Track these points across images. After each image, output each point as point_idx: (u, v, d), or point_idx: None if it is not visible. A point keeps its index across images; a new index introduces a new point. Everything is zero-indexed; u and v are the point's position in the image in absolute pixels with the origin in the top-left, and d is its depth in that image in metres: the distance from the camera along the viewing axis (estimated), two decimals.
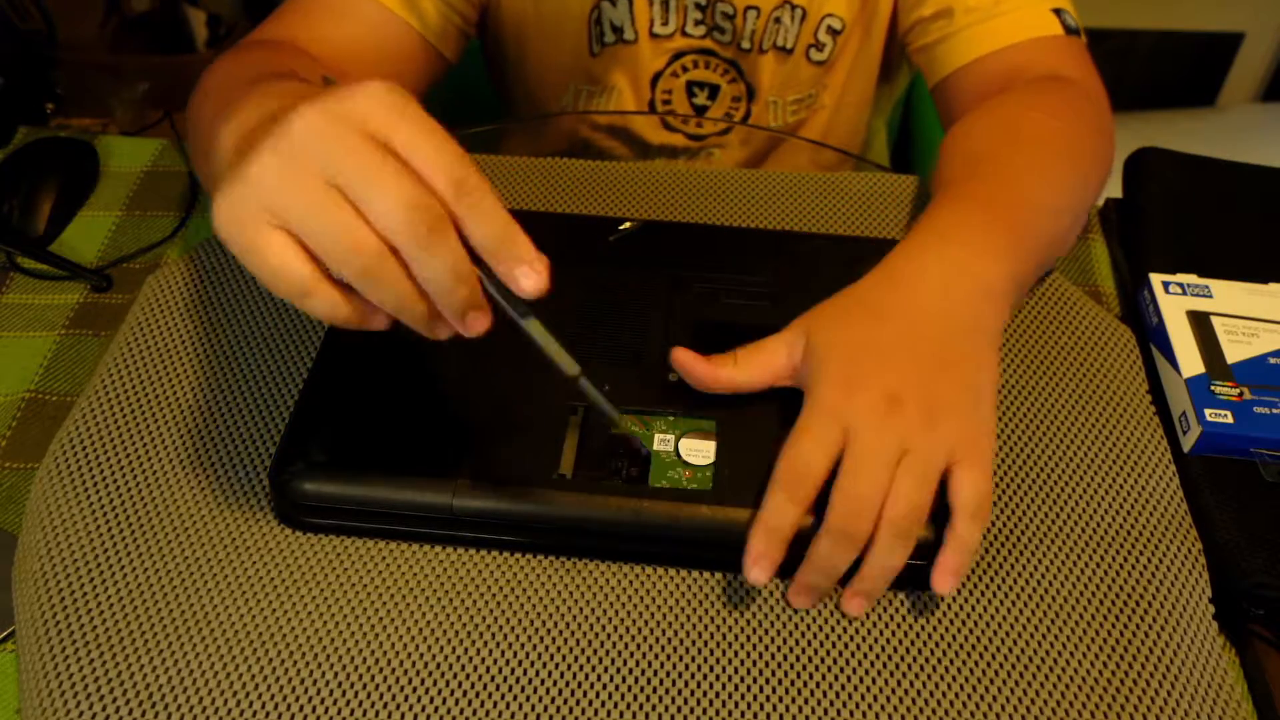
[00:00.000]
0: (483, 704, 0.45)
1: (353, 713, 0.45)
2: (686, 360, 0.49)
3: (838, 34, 0.77)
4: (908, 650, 0.47)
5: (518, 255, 0.38)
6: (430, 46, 0.71)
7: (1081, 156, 0.61)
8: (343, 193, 0.36)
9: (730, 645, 0.48)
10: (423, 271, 0.37)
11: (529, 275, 0.38)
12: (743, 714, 0.45)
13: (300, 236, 0.37)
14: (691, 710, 0.45)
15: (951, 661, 0.47)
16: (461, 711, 0.45)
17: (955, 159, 0.60)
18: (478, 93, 0.95)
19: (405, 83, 0.71)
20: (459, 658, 0.47)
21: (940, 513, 0.47)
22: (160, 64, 1.60)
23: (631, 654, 0.47)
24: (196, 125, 0.58)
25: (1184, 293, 0.61)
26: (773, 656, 0.47)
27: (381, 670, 0.46)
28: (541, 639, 0.47)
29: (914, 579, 0.48)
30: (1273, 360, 0.58)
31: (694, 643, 0.48)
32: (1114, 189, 0.72)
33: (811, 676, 0.47)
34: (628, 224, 0.62)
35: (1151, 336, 0.61)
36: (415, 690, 0.46)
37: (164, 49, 1.66)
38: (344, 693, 0.45)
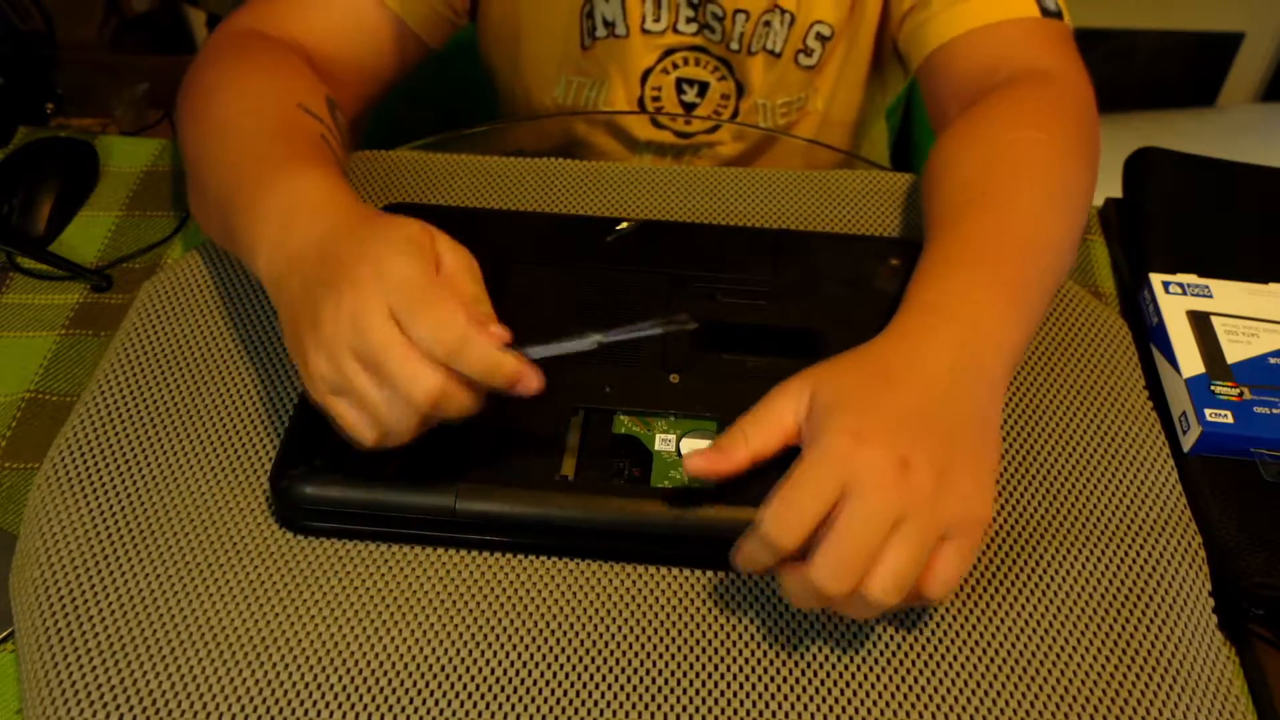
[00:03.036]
0: (487, 706, 0.45)
1: (356, 716, 0.45)
2: (701, 464, 0.46)
3: (826, 40, 0.77)
4: (909, 645, 0.47)
5: (509, 379, 0.45)
6: (415, 36, 0.72)
7: (1078, 169, 0.60)
8: (377, 371, 0.44)
9: (735, 644, 0.48)
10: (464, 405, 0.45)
11: (527, 386, 0.45)
12: (749, 712, 0.45)
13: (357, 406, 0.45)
14: (697, 710, 0.45)
15: (954, 657, 0.47)
16: (467, 714, 0.45)
17: (951, 185, 0.59)
18: (477, 92, 0.95)
19: (385, 69, 0.74)
20: (462, 660, 0.47)
21: None
22: (160, 64, 1.60)
23: (636, 654, 0.47)
24: (199, 143, 0.58)
25: (1184, 293, 0.61)
26: (777, 654, 0.47)
27: (384, 674, 0.46)
28: (545, 640, 0.47)
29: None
30: (1273, 360, 0.58)
31: (698, 642, 0.48)
32: (1114, 189, 0.72)
33: (813, 671, 0.47)
34: (625, 224, 0.62)
35: (1151, 336, 0.61)
36: (419, 693, 0.46)
37: (164, 49, 1.66)
38: (346, 696, 0.45)
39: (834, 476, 0.43)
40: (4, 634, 0.49)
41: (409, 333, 0.43)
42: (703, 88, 0.81)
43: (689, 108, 0.82)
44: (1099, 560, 0.51)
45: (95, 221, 0.69)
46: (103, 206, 0.70)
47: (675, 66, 0.80)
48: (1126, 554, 0.51)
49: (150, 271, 0.65)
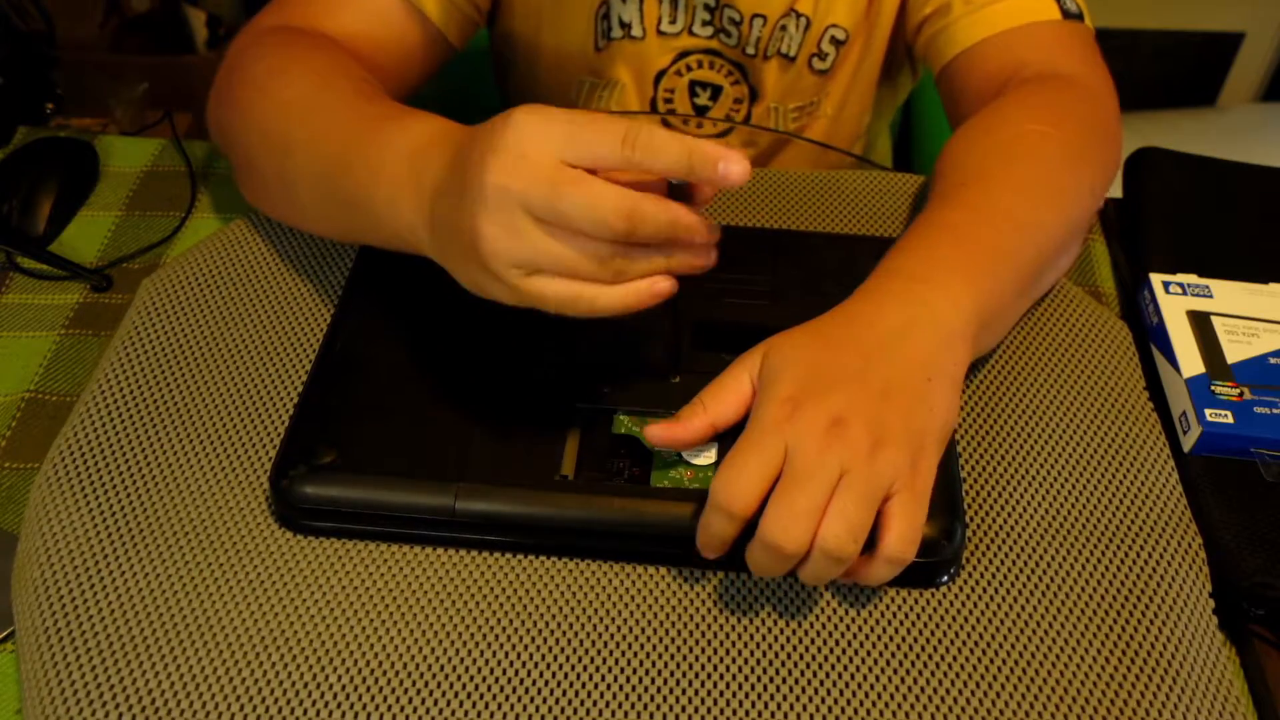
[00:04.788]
0: (486, 706, 0.45)
1: (356, 716, 0.45)
2: (659, 433, 0.48)
3: (841, 44, 0.77)
4: (908, 646, 0.48)
5: (710, 158, 0.42)
6: (439, 35, 0.72)
7: (1083, 167, 0.60)
8: (551, 223, 0.43)
9: (734, 644, 0.48)
10: (647, 239, 0.44)
11: (732, 165, 0.43)
12: (746, 712, 0.45)
13: (553, 272, 0.44)
14: (697, 709, 0.45)
15: (954, 656, 0.47)
16: (466, 714, 0.45)
17: (949, 173, 0.59)
18: (479, 94, 0.95)
19: (411, 69, 0.73)
20: (461, 660, 0.47)
21: (943, 504, 0.47)
22: (160, 64, 1.60)
23: (635, 654, 0.47)
24: (265, 129, 0.58)
25: (1184, 293, 0.61)
26: (776, 655, 0.47)
27: (384, 674, 0.46)
28: (545, 640, 0.47)
29: (913, 576, 0.48)
30: (1273, 360, 0.58)
31: (697, 642, 0.48)
32: (1114, 189, 0.72)
33: (812, 672, 0.47)
34: None
35: (1151, 336, 0.61)
36: (418, 693, 0.46)
37: (164, 49, 1.66)
38: (346, 696, 0.45)
39: (774, 441, 0.45)
40: (4, 634, 0.49)
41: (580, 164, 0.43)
42: (716, 91, 0.81)
43: (701, 111, 0.82)
44: (1099, 560, 0.51)
45: (95, 221, 0.69)
46: (103, 206, 0.70)
47: (689, 69, 0.80)
48: (1126, 554, 0.51)
49: (150, 272, 0.65)
